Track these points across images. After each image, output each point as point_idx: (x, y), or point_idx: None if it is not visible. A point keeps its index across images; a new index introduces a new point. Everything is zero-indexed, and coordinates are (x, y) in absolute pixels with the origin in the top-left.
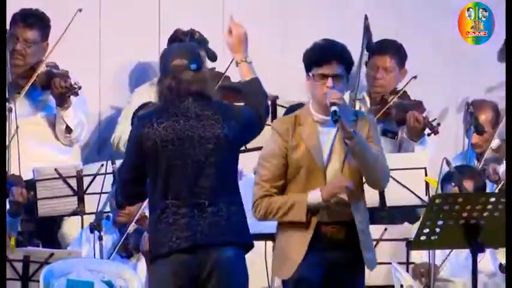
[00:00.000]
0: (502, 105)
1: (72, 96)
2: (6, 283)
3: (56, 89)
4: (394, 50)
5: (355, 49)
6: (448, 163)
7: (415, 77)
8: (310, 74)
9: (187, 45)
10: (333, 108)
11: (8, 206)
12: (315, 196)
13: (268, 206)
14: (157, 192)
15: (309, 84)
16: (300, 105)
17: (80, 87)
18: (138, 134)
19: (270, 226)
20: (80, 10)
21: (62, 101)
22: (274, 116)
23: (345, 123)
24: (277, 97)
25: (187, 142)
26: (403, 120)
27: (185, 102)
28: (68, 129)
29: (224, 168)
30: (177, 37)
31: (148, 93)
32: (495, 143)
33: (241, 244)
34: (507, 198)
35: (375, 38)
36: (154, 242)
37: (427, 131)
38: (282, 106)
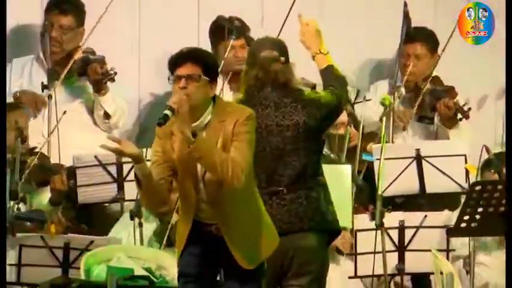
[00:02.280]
0: None
1: (109, 82)
2: (45, 270)
3: (92, 75)
4: (425, 37)
5: (392, 36)
6: (487, 150)
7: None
8: (170, 77)
9: (275, 38)
10: (165, 111)
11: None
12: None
13: None
14: None
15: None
16: None
17: (116, 73)
18: None
19: None
20: None
21: (99, 87)
22: None
23: (182, 127)
24: (315, 85)
25: (265, 131)
26: (438, 105)
27: (264, 91)
28: (106, 115)
29: (304, 156)
30: (218, 23)
31: None
32: None
33: (322, 231)
34: (507, 198)
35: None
36: None
37: (459, 116)
38: None
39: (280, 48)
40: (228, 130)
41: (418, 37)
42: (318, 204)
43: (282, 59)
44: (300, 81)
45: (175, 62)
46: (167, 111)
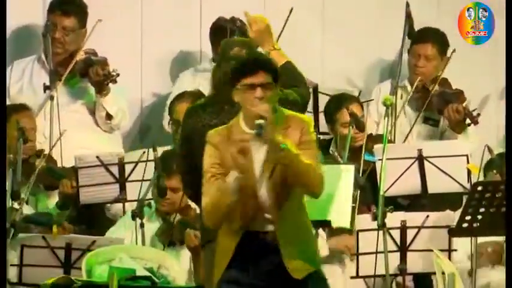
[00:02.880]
0: None
1: (111, 84)
2: (47, 270)
3: (94, 76)
4: (436, 38)
5: (396, 36)
6: (490, 150)
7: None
8: (238, 86)
9: (246, 39)
10: (258, 121)
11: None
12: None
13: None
14: None
15: (238, 97)
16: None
17: (118, 75)
18: (186, 123)
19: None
20: None
21: (101, 88)
22: (316, 104)
23: (272, 136)
24: (317, 85)
25: None
26: (444, 109)
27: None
28: (108, 116)
29: None
30: (219, 25)
31: (192, 78)
32: None
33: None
34: (507, 198)
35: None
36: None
37: (467, 121)
38: (325, 94)
39: (250, 48)
40: (295, 137)
41: (429, 38)
42: None
43: None
44: None
45: (245, 70)
46: (261, 121)
